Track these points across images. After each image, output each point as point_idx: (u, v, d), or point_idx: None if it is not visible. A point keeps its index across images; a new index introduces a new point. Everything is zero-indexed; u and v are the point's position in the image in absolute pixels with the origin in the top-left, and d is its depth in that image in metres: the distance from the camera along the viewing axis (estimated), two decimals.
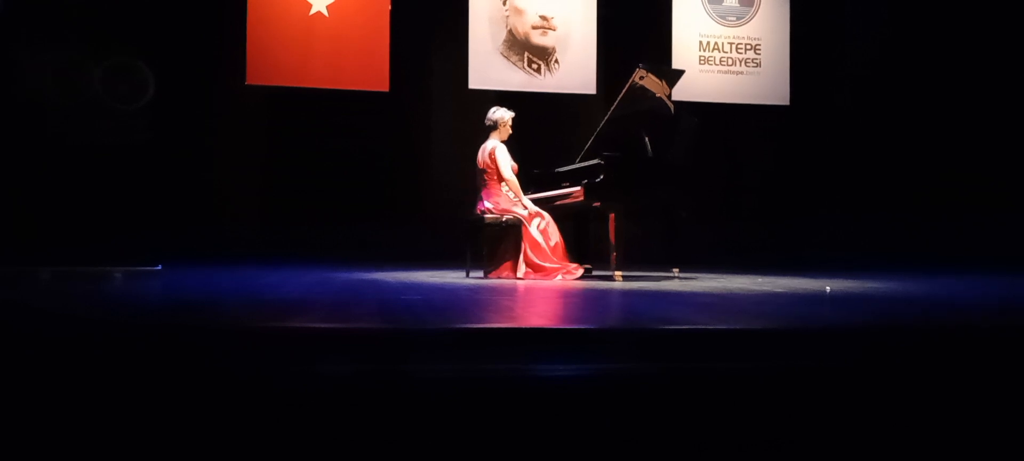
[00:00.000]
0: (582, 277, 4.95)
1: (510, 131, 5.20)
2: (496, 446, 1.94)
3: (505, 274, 5.01)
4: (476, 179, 5.21)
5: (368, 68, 7.39)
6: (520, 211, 5.01)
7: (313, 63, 7.30)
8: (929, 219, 7.80)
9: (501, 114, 5.18)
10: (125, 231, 6.53)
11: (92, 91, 6.91)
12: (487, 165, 5.13)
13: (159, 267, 5.23)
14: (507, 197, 5.10)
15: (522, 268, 4.91)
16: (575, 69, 7.78)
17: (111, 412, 1.90)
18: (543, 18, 7.76)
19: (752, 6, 8.16)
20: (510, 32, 7.70)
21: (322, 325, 2.53)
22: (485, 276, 5.03)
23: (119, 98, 6.96)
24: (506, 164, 5.07)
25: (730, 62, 8.10)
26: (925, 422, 1.99)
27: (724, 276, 5.29)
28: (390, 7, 7.41)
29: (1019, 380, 2.13)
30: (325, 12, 7.35)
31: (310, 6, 7.32)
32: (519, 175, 5.18)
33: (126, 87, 6.96)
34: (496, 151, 5.09)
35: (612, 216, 4.85)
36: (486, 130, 5.20)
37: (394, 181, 7.58)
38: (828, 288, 4.17)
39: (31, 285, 3.92)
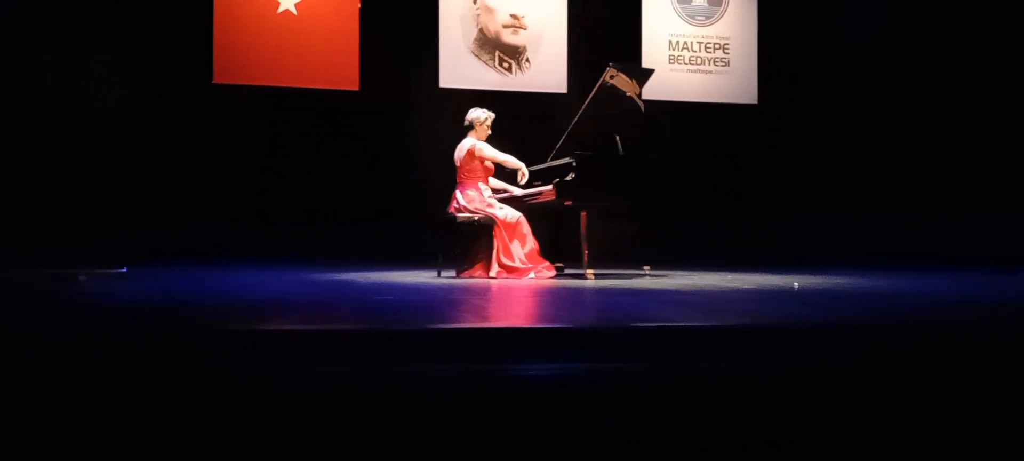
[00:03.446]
0: (554, 276, 4.97)
1: (488, 131, 5.20)
2: (470, 445, 1.94)
3: (478, 274, 5.01)
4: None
5: (338, 67, 7.33)
6: (497, 211, 5.01)
7: (282, 62, 7.22)
8: (896, 216, 7.96)
9: (478, 114, 5.19)
10: (92, 233, 6.43)
11: (85, 91, 6.81)
12: (463, 163, 5.13)
13: (124, 269, 5.14)
14: (481, 196, 5.10)
15: (495, 267, 4.91)
16: (546, 68, 7.80)
17: (80, 414, 1.87)
18: (514, 17, 7.76)
19: (720, 6, 8.24)
20: (481, 31, 7.69)
21: (295, 327, 2.51)
22: (458, 276, 5.03)
23: (83, 98, 6.85)
24: (493, 150, 5.09)
25: (699, 61, 8.17)
26: (891, 416, 2.04)
27: (694, 273, 5.34)
28: (360, 5, 7.36)
29: (979, 374, 2.19)
30: (293, 10, 7.28)
31: (278, 4, 7.24)
32: (494, 175, 5.21)
33: (99, 84, 6.86)
34: (477, 146, 5.10)
35: (584, 215, 4.87)
36: (463, 130, 5.21)
37: (365, 181, 7.52)
38: (796, 284, 4.24)
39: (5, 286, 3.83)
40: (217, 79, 7.08)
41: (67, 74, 6.84)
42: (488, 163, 5.13)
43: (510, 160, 5.13)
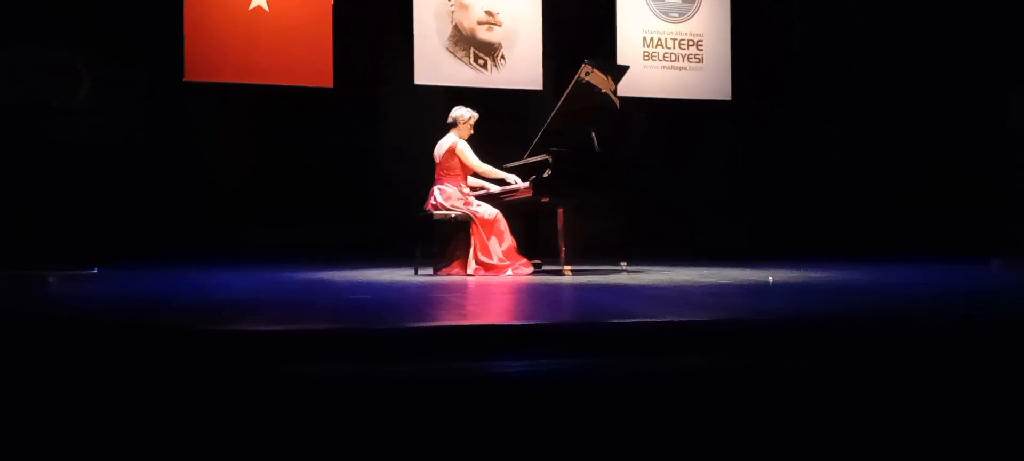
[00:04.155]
0: (532, 273, 4.97)
1: (471, 130, 5.20)
2: (450, 444, 1.94)
3: (455, 271, 5.00)
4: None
5: (311, 63, 7.26)
6: (475, 208, 5.00)
7: (254, 59, 7.13)
8: (873, 209, 8.09)
9: (462, 112, 5.18)
10: (59, 232, 6.31)
11: (52, 90, 6.67)
12: (443, 160, 5.11)
13: (95, 270, 5.06)
14: (459, 193, 5.09)
15: (472, 265, 4.90)
16: (522, 65, 7.79)
17: (50, 418, 1.84)
18: (488, 14, 7.75)
19: (694, 3, 8.30)
20: (456, 27, 7.66)
21: (270, 328, 2.48)
22: (435, 273, 5.01)
23: (55, 95, 6.72)
24: (474, 156, 5.08)
25: (673, 58, 8.22)
26: (871, 412, 2.06)
27: (671, 269, 5.38)
28: (333, 1, 7.30)
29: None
30: (265, 6, 7.19)
31: (250, 0, 7.15)
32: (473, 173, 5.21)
33: (63, 83, 6.72)
34: (458, 146, 5.08)
35: (561, 211, 4.88)
36: (446, 127, 5.19)
37: (340, 179, 7.47)
38: (771, 279, 4.28)
39: None
40: (188, 77, 6.98)
41: (33, 73, 6.70)
42: (468, 168, 5.12)
43: (491, 172, 5.12)
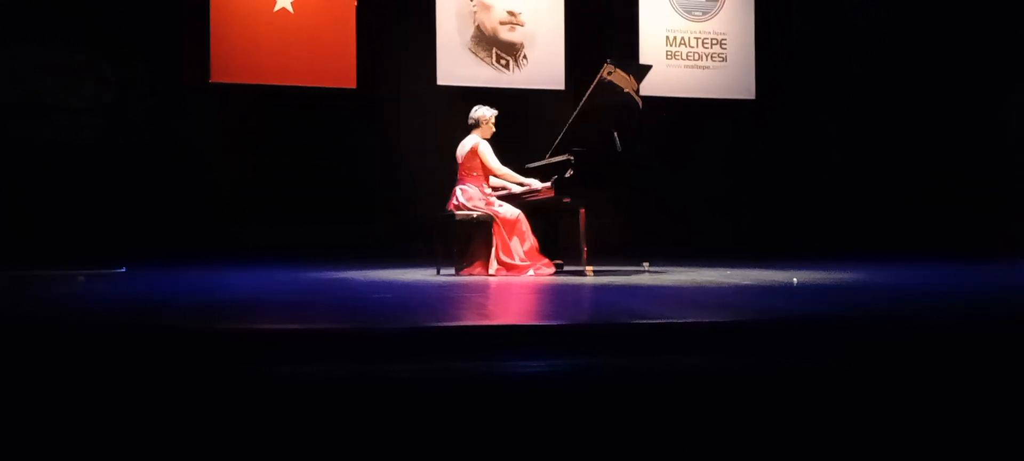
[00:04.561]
0: (554, 273, 4.96)
1: (493, 129, 5.20)
2: (470, 444, 1.94)
3: (477, 271, 5.00)
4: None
5: (335, 64, 7.31)
6: (496, 208, 5.00)
7: (278, 60, 7.20)
8: (898, 211, 7.99)
9: (483, 112, 5.19)
10: (88, 232, 6.41)
11: (52, 89, 6.77)
12: (466, 160, 5.12)
13: (123, 269, 5.13)
14: (481, 193, 5.09)
15: (494, 265, 4.90)
16: (543, 65, 7.78)
17: (79, 415, 1.86)
18: (511, 14, 7.75)
19: (717, 2, 8.23)
20: (478, 28, 7.67)
21: (292, 326, 2.50)
22: (456, 273, 5.02)
23: (79, 97, 6.82)
24: (494, 158, 5.09)
25: (696, 57, 8.16)
26: (894, 414, 2.03)
27: (694, 269, 5.34)
28: (356, 3, 7.34)
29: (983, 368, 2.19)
30: (290, 8, 7.26)
31: (275, 2, 7.22)
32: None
33: (87, 85, 6.83)
34: (480, 147, 5.09)
35: (582, 211, 4.86)
36: (468, 128, 5.20)
37: (362, 178, 7.51)
38: (795, 280, 4.24)
39: None
40: (214, 78, 7.06)
41: (59, 74, 6.80)
42: (489, 171, 5.12)
43: (510, 175, 5.11)
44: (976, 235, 7.28)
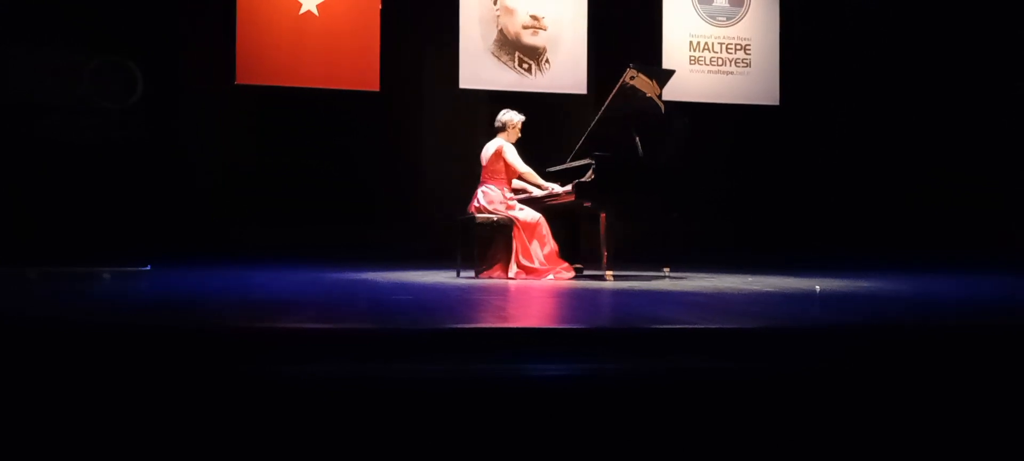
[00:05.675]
0: (573, 277, 4.96)
1: (519, 134, 5.23)
2: (488, 446, 1.94)
3: (496, 274, 5.01)
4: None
5: (358, 67, 7.36)
6: (517, 211, 5.01)
7: (303, 62, 7.27)
8: (922, 218, 7.88)
9: (510, 116, 5.21)
10: (114, 230, 6.49)
11: (82, 90, 6.85)
12: (490, 163, 5.14)
13: (148, 267, 5.20)
14: (502, 197, 5.11)
15: (513, 268, 4.91)
16: (566, 69, 7.77)
17: (97, 414, 1.89)
18: (534, 18, 7.75)
19: (742, 6, 8.18)
20: (501, 32, 7.69)
21: (312, 326, 2.52)
22: (476, 276, 5.03)
23: (109, 97, 6.91)
24: (519, 158, 5.10)
25: (720, 62, 8.11)
26: (911, 420, 2.01)
27: (715, 275, 5.30)
28: (380, 6, 7.39)
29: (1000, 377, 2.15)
30: (315, 11, 7.32)
31: (300, 5, 7.29)
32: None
33: (115, 86, 6.92)
34: (504, 149, 5.11)
35: (603, 216, 4.85)
36: (494, 131, 5.22)
37: (384, 181, 7.56)
38: (817, 288, 4.19)
39: (19, 286, 3.89)
40: (239, 80, 7.14)
41: (59, 73, 6.87)
42: (512, 171, 5.14)
43: (534, 177, 5.13)
44: (1007, 239, 7.15)
